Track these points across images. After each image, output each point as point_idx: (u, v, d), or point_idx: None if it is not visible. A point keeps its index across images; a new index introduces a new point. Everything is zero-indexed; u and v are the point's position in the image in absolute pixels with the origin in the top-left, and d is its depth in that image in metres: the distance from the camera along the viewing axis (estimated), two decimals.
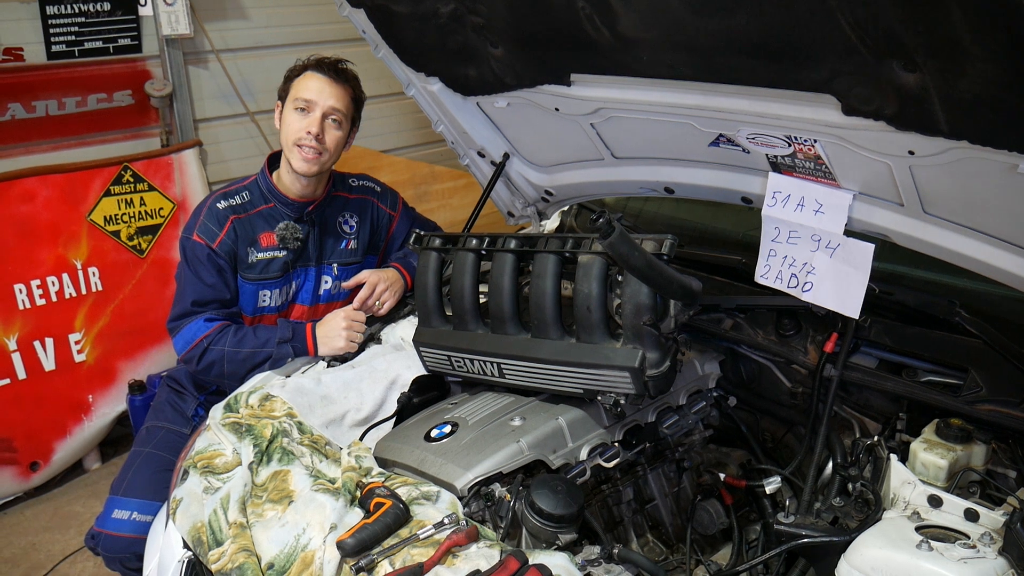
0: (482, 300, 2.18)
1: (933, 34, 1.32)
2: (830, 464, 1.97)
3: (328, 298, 2.79)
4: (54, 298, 3.83)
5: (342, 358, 2.54)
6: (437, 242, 2.27)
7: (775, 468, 2.10)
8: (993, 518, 1.59)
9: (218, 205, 2.64)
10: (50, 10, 3.81)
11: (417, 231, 2.35)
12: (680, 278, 1.82)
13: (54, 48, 3.88)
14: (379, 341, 2.60)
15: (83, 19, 3.92)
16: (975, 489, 1.74)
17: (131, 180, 4.03)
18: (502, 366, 2.06)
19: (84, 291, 3.93)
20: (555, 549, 1.70)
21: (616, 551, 1.75)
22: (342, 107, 2.61)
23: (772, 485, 2.03)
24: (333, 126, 2.61)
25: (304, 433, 2.11)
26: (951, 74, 1.37)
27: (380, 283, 2.68)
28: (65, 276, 3.86)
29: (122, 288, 4.05)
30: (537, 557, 1.59)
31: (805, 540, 1.72)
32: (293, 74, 2.65)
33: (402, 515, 1.70)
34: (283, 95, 2.67)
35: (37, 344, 3.82)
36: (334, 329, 2.54)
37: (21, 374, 3.78)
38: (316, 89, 2.58)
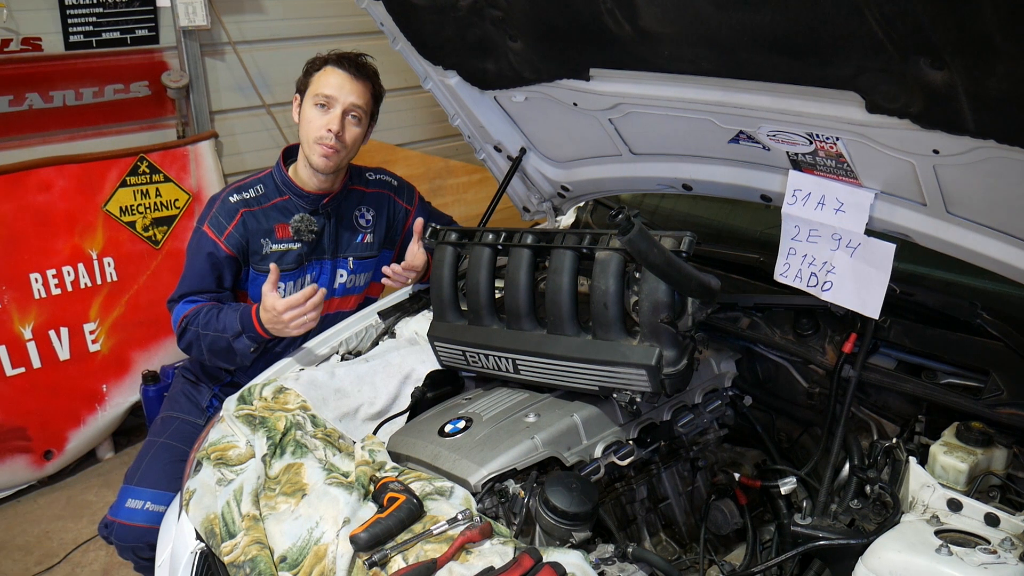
0: (498, 295, 2.17)
1: (962, 31, 1.30)
2: (847, 466, 1.95)
3: (344, 291, 2.79)
4: (69, 288, 3.85)
5: (356, 351, 2.53)
6: (453, 237, 2.26)
7: (790, 469, 2.09)
8: (1014, 523, 1.57)
9: (230, 199, 2.65)
10: (68, 0, 3.81)
11: (433, 225, 2.34)
12: (698, 276, 1.81)
13: (72, 39, 3.88)
14: (393, 335, 2.60)
15: (101, 10, 3.93)
16: (995, 493, 1.71)
17: (147, 171, 4.04)
18: (517, 362, 2.05)
19: (99, 281, 3.94)
20: (569, 547, 1.69)
21: (630, 550, 1.73)
22: (362, 103, 2.60)
23: (787, 486, 2.02)
24: (353, 122, 2.60)
25: (318, 426, 2.11)
26: (979, 72, 1.34)
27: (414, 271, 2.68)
28: (80, 266, 3.87)
29: (137, 279, 4.06)
30: (551, 555, 1.58)
31: (822, 542, 1.71)
32: (313, 68, 2.64)
33: (415, 510, 1.69)
34: (302, 89, 2.66)
35: (52, 334, 3.83)
36: (278, 322, 2.38)
37: (36, 363, 3.80)
38: (337, 85, 2.57)
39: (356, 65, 2.60)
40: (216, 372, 2.80)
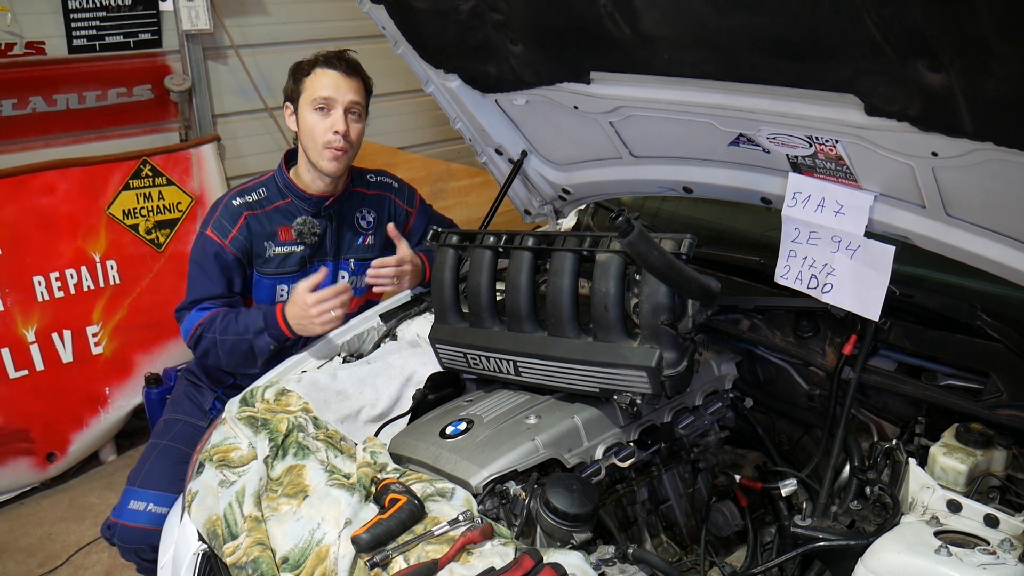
0: (499, 298, 2.18)
1: (959, 33, 1.31)
2: (847, 467, 1.96)
3: None
4: (72, 290, 3.87)
5: (357, 353, 2.54)
6: (454, 239, 2.26)
7: (791, 470, 2.09)
8: (1013, 524, 1.57)
9: (233, 202, 2.66)
10: (72, 4, 3.84)
11: (435, 228, 2.35)
12: (699, 278, 1.81)
13: (75, 42, 3.91)
14: (395, 337, 2.60)
15: (104, 14, 3.95)
16: (995, 495, 1.71)
17: (150, 174, 4.06)
18: (518, 364, 2.06)
19: (102, 284, 3.96)
20: (570, 548, 1.69)
21: (631, 551, 1.74)
22: (360, 99, 2.62)
23: (788, 487, 2.02)
24: (354, 119, 2.62)
25: (319, 428, 2.11)
26: (977, 74, 1.35)
27: (409, 263, 2.67)
28: (83, 269, 3.89)
29: (139, 281, 4.08)
30: (552, 556, 1.59)
31: (822, 543, 1.71)
32: (301, 73, 2.64)
33: (417, 511, 1.70)
34: (293, 96, 2.66)
35: (55, 336, 3.85)
36: (304, 317, 2.44)
37: (39, 366, 3.81)
38: (332, 86, 2.58)
39: (345, 62, 2.61)
40: (219, 375, 2.81)
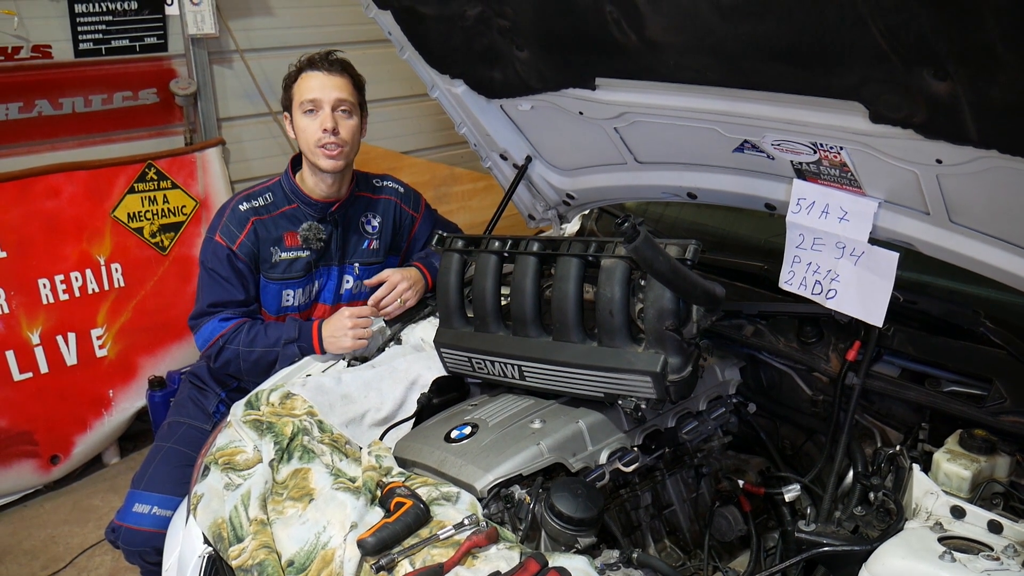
0: (503, 302, 2.19)
1: (965, 42, 1.31)
2: (850, 473, 1.96)
3: (349, 297, 2.81)
4: (77, 293, 3.87)
5: (362, 357, 2.55)
6: (460, 243, 2.27)
7: (794, 476, 2.10)
8: (1017, 530, 1.58)
9: (240, 207, 2.67)
10: (78, 8, 3.85)
11: (440, 232, 2.36)
12: (704, 283, 1.82)
13: (81, 46, 3.92)
14: (399, 341, 2.61)
15: (110, 18, 3.96)
16: (998, 501, 1.72)
17: (155, 178, 4.07)
18: (523, 368, 2.07)
19: (107, 287, 3.97)
20: (574, 552, 1.70)
21: (635, 556, 1.74)
22: (347, 95, 2.63)
23: (791, 493, 2.02)
24: (344, 116, 2.63)
25: (324, 432, 2.12)
26: (982, 82, 1.36)
27: (402, 282, 2.69)
28: (88, 272, 3.90)
29: (144, 284, 4.09)
30: (556, 560, 1.59)
31: (826, 548, 1.71)
32: (290, 81, 2.68)
33: (422, 515, 1.70)
34: (287, 104, 2.69)
35: (59, 339, 3.86)
36: (340, 329, 2.53)
37: (43, 368, 3.82)
38: (317, 87, 2.60)
39: (328, 62, 2.64)
40: (223, 378, 2.82)
